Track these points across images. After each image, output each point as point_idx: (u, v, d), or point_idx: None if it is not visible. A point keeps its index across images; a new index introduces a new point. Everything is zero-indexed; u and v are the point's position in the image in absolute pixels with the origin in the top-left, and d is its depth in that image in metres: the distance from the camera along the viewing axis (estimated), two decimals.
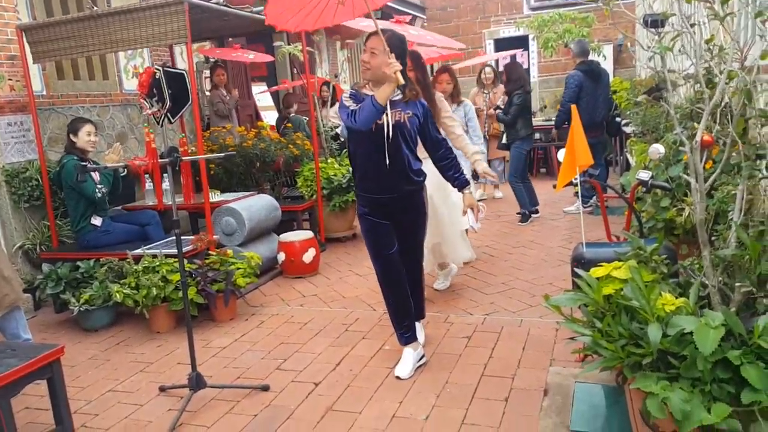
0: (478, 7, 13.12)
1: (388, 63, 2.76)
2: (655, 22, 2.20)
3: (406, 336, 3.23)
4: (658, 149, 2.83)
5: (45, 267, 4.44)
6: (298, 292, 4.69)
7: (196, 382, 2.99)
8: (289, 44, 7.41)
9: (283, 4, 3.44)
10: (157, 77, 2.57)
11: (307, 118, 6.80)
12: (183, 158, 2.81)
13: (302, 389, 3.09)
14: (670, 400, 1.83)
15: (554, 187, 3.20)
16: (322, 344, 3.66)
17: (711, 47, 2.13)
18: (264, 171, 6.21)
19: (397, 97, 2.98)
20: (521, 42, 12.71)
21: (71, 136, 4.49)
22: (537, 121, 10.34)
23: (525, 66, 12.90)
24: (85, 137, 4.47)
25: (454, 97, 4.68)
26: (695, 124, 2.51)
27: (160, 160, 2.76)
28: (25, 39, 4.66)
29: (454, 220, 4.08)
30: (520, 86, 6.38)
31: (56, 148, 5.20)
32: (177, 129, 6.16)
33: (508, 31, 12.86)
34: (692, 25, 1.93)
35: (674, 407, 1.81)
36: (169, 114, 2.57)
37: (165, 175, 5.25)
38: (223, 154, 3.41)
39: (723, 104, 2.16)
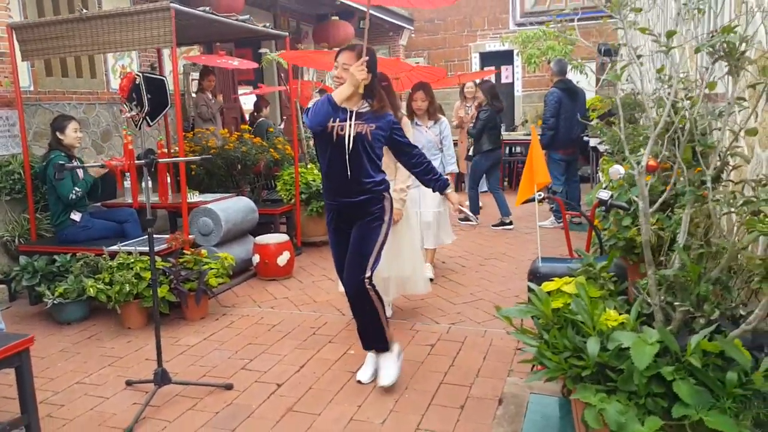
0: (464, 20, 13.31)
1: (357, 66, 2.81)
2: (608, 51, 2.33)
3: (365, 344, 3.25)
4: (618, 170, 2.96)
5: (22, 259, 4.47)
6: (270, 294, 4.77)
7: (161, 378, 3.06)
8: (276, 49, 7.48)
9: None
10: (137, 83, 2.63)
11: (272, 123, 7.04)
12: (158, 160, 2.90)
13: (265, 389, 3.17)
14: (606, 411, 1.94)
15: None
16: (288, 346, 3.74)
17: (662, 76, 2.26)
18: (245, 174, 6.29)
19: (364, 109, 3.00)
20: (506, 56, 12.91)
21: (57, 134, 4.56)
22: (518, 135, 10.57)
23: (509, 80, 13.12)
24: (72, 134, 4.55)
25: (431, 114, 4.77)
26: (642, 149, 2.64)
27: (136, 162, 2.82)
28: (14, 37, 4.71)
29: (414, 244, 4.16)
30: (488, 103, 6.83)
31: (41, 143, 5.25)
32: (161, 130, 6.23)
33: (494, 46, 13.06)
34: (639, 56, 2.05)
35: (609, 418, 1.92)
36: (147, 118, 2.64)
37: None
38: (199, 158, 3.49)
39: (674, 130, 2.28)
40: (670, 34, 2.00)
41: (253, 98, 9.13)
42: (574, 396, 2.07)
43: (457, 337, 3.81)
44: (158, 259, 4.15)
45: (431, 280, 4.74)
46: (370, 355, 3.27)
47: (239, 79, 9.25)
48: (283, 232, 5.80)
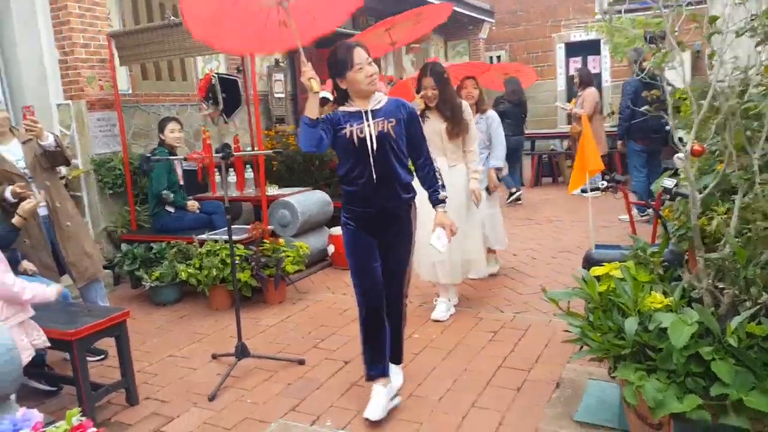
0: (548, 10, 13.07)
1: (302, 71, 2.63)
2: (653, 39, 2.35)
3: (377, 371, 2.87)
4: (681, 158, 2.94)
5: (124, 247, 5.00)
6: (343, 282, 5.03)
7: (241, 352, 3.38)
8: None
9: (214, 25, 3.07)
10: (213, 83, 2.94)
11: None
12: (233, 153, 3.21)
13: (333, 366, 3.42)
14: (644, 388, 2.01)
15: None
16: (357, 329, 3.93)
17: (713, 62, 2.26)
18: (322, 169, 6.60)
19: (379, 105, 2.74)
20: (593, 46, 12.57)
21: (160, 134, 5.09)
22: (605, 127, 10.29)
23: (597, 71, 12.75)
24: (169, 134, 5.04)
25: (479, 105, 4.56)
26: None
27: (214, 155, 3.15)
28: (113, 45, 5.26)
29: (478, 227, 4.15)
30: (504, 98, 8.19)
31: (139, 142, 5.80)
32: (246, 128, 6.67)
33: (579, 35, 12.74)
34: (679, 43, 2.08)
35: (647, 395, 1.99)
36: (223, 114, 2.94)
37: (231, 169, 5.76)
38: (269, 151, 3.79)
39: (724, 115, 2.28)
40: (713, 19, 2.02)
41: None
42: (614, 374, 2.15)
43: (520, 326, 3.88)
44: (241, 246, 4.52)
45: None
46: (376, 387, 2.86)
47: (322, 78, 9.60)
48: None
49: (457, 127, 3.87)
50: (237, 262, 4.34)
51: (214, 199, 5.45)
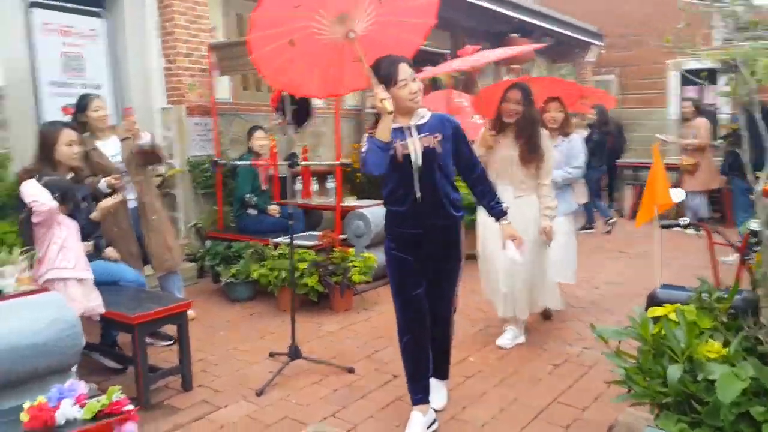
0: (662, 36, 12.39)
1: (376, 95, 2.55)
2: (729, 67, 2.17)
3: (417, 396, 2.79)
4: (677, 193, 2.73)
5: (208, 243, 5.29)
6: None
7: (294, 353, 3.48)
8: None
9: (287, 72, 3.09)
10: (283, 96, 3.08)
11: None
12: (299, 163, 3.33)
13: (382, 378, 3.42)
14: None
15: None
16: None
17: None
18: None
19: (422, 121, 2.67)
20: (709, 74, 11.76)
21: (248, 141, 5.42)
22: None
23: (710, 101, 11.91)
24: (255, 142, 5.37)
25: (563, 128, 4.26)
26: None
27: (279, 162, 3.29)
28: (214, 56, 5.62)
29: (542, 257, 3.83)
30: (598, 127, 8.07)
31: (235, 148, 6.13)
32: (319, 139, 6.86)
33: (695, 63, 11.97)
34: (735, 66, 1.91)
35: None
36: (295, 125, 3.09)
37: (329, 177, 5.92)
38: (335, 162, 3.89)
39: None
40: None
41: None
42: (656, 422, 1.99)
43: (586, 362, 3.69)
44: (312, 252, 4.65)
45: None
46: (415, 414, 2.78)
47: None
48: None
49: (533, 153, 3.60)
50: (306, 267, 4.48)
51: (294, 204, 5.65)
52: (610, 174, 9.66)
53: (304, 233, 5.22)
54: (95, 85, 5.65)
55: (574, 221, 4.58)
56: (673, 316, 2.29)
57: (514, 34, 11.81)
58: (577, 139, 4.37)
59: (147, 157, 3.97)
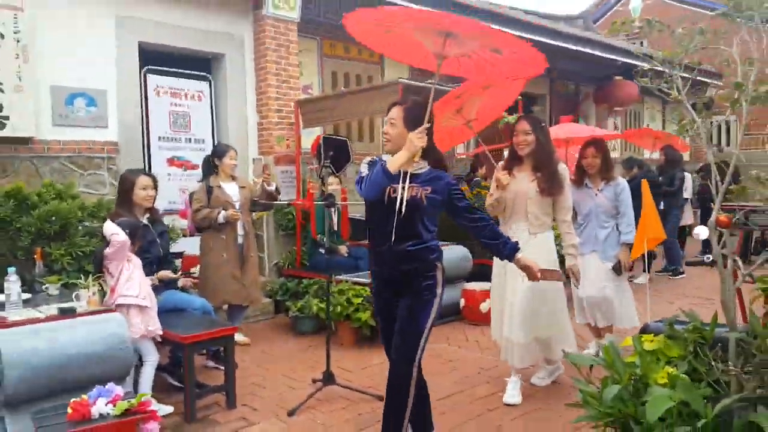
0: None
1: (416, 133, 2.60)
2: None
3: None
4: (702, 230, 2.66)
5: (282, 280, 5.79)
6: (463, 336, 5.13)
7: (327, 379, 3.76)
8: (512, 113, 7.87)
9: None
10: (320, 143, 3.48)
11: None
12: (336, 203, 3.69)
13: None
14: None
15: None
16: (450, 379, 4.08)
17: None
18: None
19: (420, 170, 2.74)
20: None
21: (321, 186, 5.93)
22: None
23: None
24: (328, 186, 5.81)
25: (603, 173, 4.21)
26: None
27: (315, 202, 3.66)
28: (300, 110, 6.27)
29: (556, 304, 3.67)
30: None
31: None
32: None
33: None
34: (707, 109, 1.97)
35: None
36: (331, 168, 3.47)
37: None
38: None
39: None
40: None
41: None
42: None
43: None
44: (368, 289, 4.95)
45: (597, 354, 4.07)
46: None
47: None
48: None
49: (550, 184, 3.53)
50: (359, 302, 4.80)
51: (363, 245, 6.01)
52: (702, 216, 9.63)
53: (365, 272, 5.53)
54: (199, 140, 6.52)
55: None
56: (646, 345, 2.31)
57: (619, 77, 11.61)
58: (624, 183, 4.25)
59: (269, 199, 4.81)
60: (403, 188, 2.66)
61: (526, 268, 2.85)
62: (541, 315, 3.63)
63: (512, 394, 3.68)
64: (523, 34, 7.98)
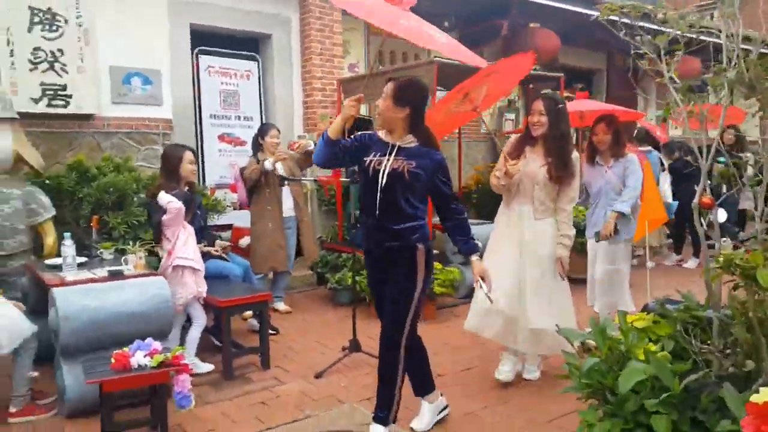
0: None
1: (349, 100, 2.78)
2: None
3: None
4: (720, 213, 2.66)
5: (323, 253, 6.07)
6: None
7: (354, 346, 4.00)
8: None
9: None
10: None
11: None
12: (358, 180, 3.86)
13: None
14: (593, 428, 2.02)
15: None
16: (470, 356, 4.25)
17: None
18: None
19: (409, 145, 2.78)
20: None
21: None
22: None
23: None
24: None
25: (614, 150, 4.12)
26: None
27: (342, 179, 3.84)
28: (341, 89, 6.45)
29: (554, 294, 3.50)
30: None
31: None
32: (454, 163, 7.29)
33: None
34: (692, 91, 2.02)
35: None
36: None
37: None
38: None
39: None
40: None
41: None
42: (581, 414, 2.16)
43: None
44: None
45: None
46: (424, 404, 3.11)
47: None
48: None
49: (560, 171, 3.37)
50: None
51: None
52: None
53: None
54: (248, 117, 6.84)
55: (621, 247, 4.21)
56: (637, 323, 2.41)
57: (678, 52, 11.12)
58: (634, 158, 4.14)
59: (307, 157, 5.09)
60: (388, 160, 2.73)
61: (479, 271, 2.84)
62: (547, 302, 3.46)
63: (505, 371, 3.67)
64: (578, 9, 7.76)
